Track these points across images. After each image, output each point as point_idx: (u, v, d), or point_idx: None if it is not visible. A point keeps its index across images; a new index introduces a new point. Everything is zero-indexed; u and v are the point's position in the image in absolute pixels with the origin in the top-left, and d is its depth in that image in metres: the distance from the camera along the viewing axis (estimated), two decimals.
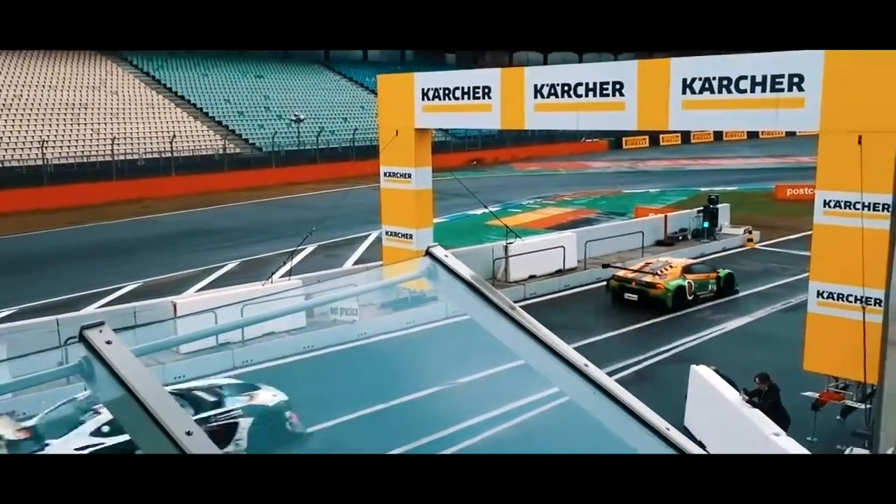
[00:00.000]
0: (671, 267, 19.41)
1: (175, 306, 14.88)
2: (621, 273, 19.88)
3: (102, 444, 9.42)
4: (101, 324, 1.64)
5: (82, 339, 1.62)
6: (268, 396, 11.29)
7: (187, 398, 10.55)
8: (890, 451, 4.20)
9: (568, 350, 2.03)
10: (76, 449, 9.43)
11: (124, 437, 11.80)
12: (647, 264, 20.10)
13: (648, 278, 19.03)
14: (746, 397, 10.58)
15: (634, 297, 19.01)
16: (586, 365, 1.99)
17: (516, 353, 2.09)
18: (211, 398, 10.95)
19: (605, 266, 21.01)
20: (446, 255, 2.19)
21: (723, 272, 20.04)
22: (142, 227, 31.93)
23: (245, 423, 10.65)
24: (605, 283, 20.21)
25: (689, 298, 18.79)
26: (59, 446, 9.44)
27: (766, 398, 10.80)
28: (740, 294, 19.99)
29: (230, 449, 10.37)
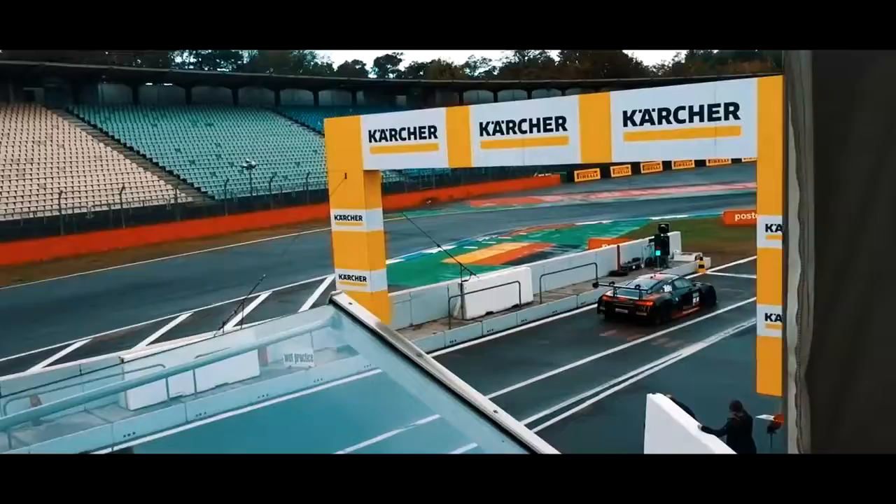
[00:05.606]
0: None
1: (122, 361, 14.50)
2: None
3: None
4: None
5: None
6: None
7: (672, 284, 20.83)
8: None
9: (477, 396, 1.97)
10: None
11: None
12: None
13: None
14: (701, 425, 10.57)
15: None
16: (495, 411, 1.93)
17: (425, 404, 2.02)
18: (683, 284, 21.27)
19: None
20: (350, 303, 2.12)
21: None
22: (91, 282, 31.22)
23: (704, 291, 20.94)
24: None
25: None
26: None
27: (731, 427, 10.77)
28: (695, 320, 20.23)
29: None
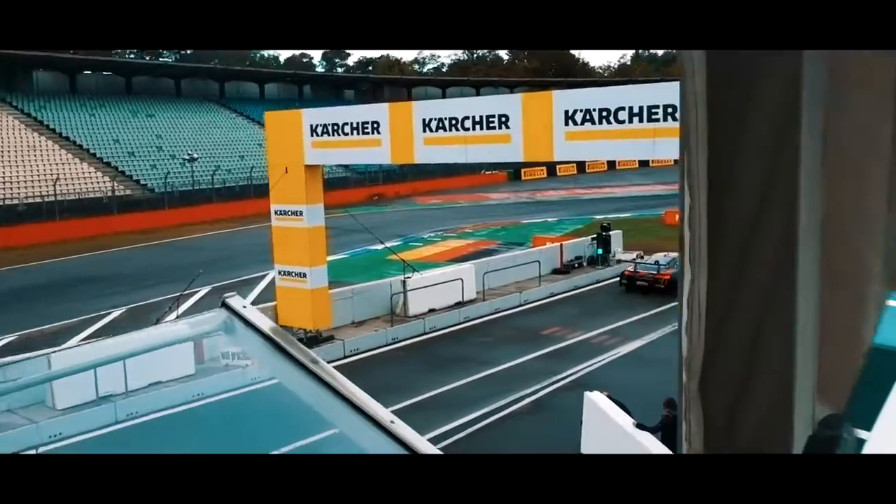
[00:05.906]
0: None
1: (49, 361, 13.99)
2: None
3: None
4: None
5: None
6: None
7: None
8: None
9: (373, 405, 1.88)
10: None
11: None
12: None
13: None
14: (636, 422, 10.67)
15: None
16: (392, 422, 1.84)
17: (320, 413, 1.92)
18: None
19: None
20: (244, 307, 2.01)
21: None
22: (20, 276, 30.16)
23: None
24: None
25: None
26: None
27: (665, 425, 10.93)
28: (632, 318, 20.54)
29: None
